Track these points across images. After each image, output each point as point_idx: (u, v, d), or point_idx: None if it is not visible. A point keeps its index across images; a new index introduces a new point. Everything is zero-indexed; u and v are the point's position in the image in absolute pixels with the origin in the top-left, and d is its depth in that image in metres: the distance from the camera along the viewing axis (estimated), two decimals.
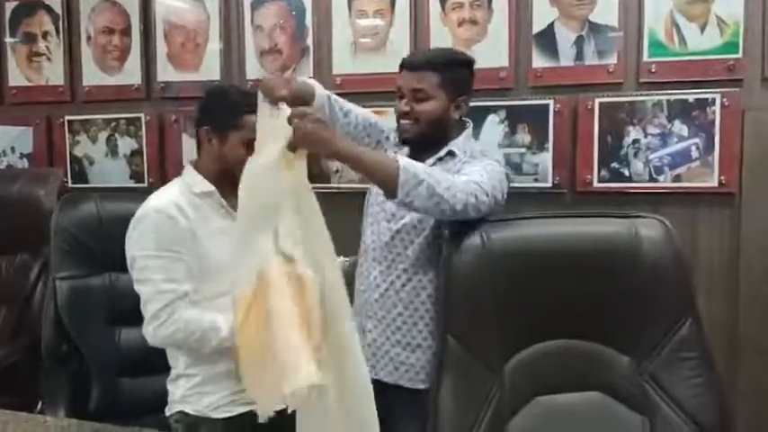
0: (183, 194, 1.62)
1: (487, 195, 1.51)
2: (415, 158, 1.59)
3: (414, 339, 1.69)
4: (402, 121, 1.70)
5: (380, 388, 1.68)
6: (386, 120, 1.96)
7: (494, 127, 2.28)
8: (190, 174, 1.68)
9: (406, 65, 1.70)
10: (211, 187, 1.64)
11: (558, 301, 1.35)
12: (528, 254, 1.37)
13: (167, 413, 1.66)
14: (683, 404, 1.29)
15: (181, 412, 1.62)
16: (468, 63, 1.74)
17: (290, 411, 1.21)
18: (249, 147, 1.58)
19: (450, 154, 1.69)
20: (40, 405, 1.95)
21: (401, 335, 1.70)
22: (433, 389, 1.30)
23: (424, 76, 1.66)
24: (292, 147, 1.32)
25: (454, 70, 1.69)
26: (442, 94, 1.66)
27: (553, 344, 1.35)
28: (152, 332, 1.57)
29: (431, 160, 1.69)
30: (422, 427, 1.61)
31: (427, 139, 1.69)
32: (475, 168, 1.59)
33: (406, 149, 1.75)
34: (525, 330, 1.35)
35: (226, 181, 1.61)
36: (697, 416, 1.28)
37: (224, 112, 1.64)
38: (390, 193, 1.44)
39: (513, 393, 1.32)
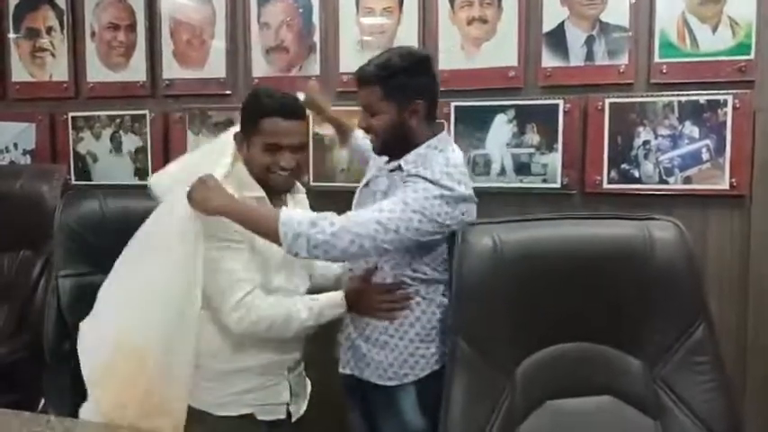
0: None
1: (396, 232, 1.51)
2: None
3: (380, 336, 1.69)
4: (369, 136, 1.73)
5: (355, 382, 1.75)
6: None
7: (502, 126, 2.26)
8: (242, 174, 1.66)
9: (356, 80, 1.68)
10: (261, 192, 1.64)
11: (570, 303, 1.33)
12: (539, 256, 1.35)
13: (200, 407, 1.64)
14: (696, 408, 1.27)
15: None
16: (409, 68, 1.64)
17: None
18: (271, 152, 1.60)
19: (398, 168, 1.66)
20: (42, 403, 1.93)
21: (369, 331, 1.71)
22: (445, 391, 1.28)
23: (369, 91, 1.64)
24: None
25: (397, 79, 1.62)
26: (388, 105, 1.63)
27: (565, 347, 1.34)
28: (237, 320, 1.57)
29: (387, 167, 1.71)
30: (396, 422, 1.69)
31: (394, 149, 1.68)
32: (395, 198, 1.56)
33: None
34: (537, 333, 1.33)
35: (265, 186, 1.64)
36: (709, 420, 1.26)
37: (249, 116, 1.64)
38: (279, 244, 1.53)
39: (525, 397, 1.30)
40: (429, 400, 1.61)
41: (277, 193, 1.68)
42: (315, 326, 1.66)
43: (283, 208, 1.59)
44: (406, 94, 1.63)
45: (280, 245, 1.51)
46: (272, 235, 1.51)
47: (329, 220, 1.51)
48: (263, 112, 1.60)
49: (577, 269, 1.34)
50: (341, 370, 1.78)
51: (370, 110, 1.65)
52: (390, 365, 1.68)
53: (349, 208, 1.83)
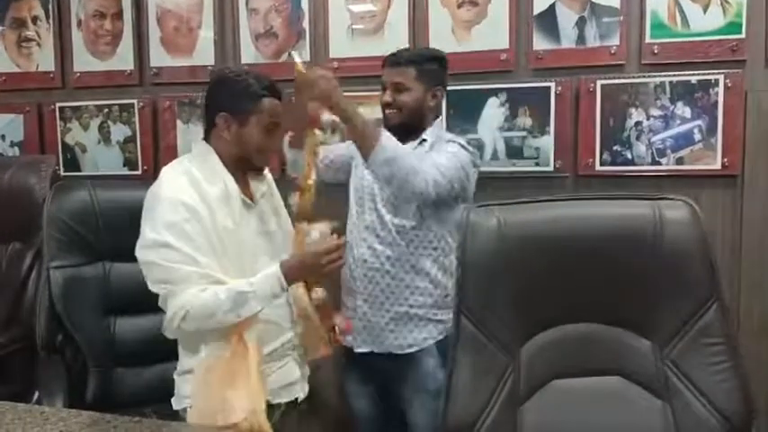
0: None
1: (444, 178, 1.76)
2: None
3: (399, 308, 1.87)
4: (387, 111, 1.92)
5: (371, 358, 1.91)
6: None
7: (494, 110, 2.25)
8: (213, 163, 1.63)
9: (388, 62, 1.93)
10: (231, 182, 1.61)
11: (577, 284, 1.31)
12: (544, 237, 1.33)
13: (176, 407, 1.63)
14: (705, 390, 1.25)
15: (191, 407, 1.59)
16: (440, 58, 1.96)
17: None
18: (269, 132, 1.63)
19: (422, 141, 1.91)
20: (36, 395, 1.92)
21: (388, 305, 1.89)
22: (448, 369, 1.29)
23: (403, 70, 1.89)
24: None
25: (428, 64, 1.91)
26: (419, 85, 1.89)
27: (572, 327, 1.32)
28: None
29: (408, 148, 1.85)
30: (418, 382, 1.88)
31: (407, 126, 1.90)
32: (440, 154, 1.83)
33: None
34: (543, 313, 1.32)
35: (243, 167, 1.65)
36: (719, 402, 1.24)
37: (242, 97, 1.62)
38: (365, 159, 1.72)
39: (530, 376, 1.30)
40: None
41: (253, 173, 1.70)
42: (244, 305, 1.52)
43: (383, 131, 1.74)
44: (432, 78, 1.92)
45: (365, 158, 1.71)
46: (367, 149, 1.69)
47: (406, 160, 1.71)
48: (262, 93, 1.61)
49: (584, 250, 1.31)
50: (357, 349, 1.93)
51: (399, 87, 1.89)
52: (410, 332, 1.88)
53: (338, 198, 1.87)
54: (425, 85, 1.90)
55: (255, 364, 1.50)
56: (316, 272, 1.61)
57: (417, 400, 1.88)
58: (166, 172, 1.62)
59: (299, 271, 1.59)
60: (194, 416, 1.52)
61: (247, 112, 1.61)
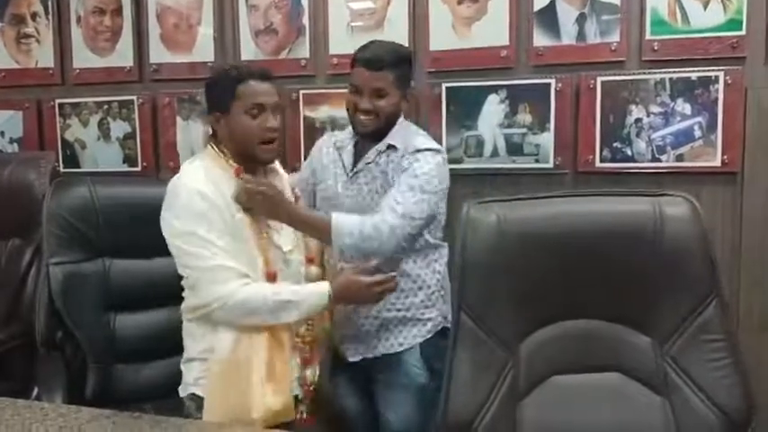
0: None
1: (418, 218, 1.72)
2: (363, 148, 1.87)
3: (388, 313, 1.85)
4: (362, 117, 1.81)
5: (362, 364, 1.89)
6: None
7: (494, 106, 2.24)
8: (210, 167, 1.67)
9: (364, 63, 1.80)
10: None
11: (576, 281, 1.32)
12: (543, 233, 1.34)
13: (181, 394, 1.66)
14: (705, 387, 1.26)
15: (194, 394, 1.62)
16: (411, 57, 1.92)
17: None
18: (255, 115, 1.63)
19: (391, 147, 1.82)
20: (35, 392, 1.92)
21: (376, 311, 1.85)
22: (448, 365, 1.29)
23: (383, 75, 1.78)
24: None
25: (403, 67, 1.84)
26: (396, 90, 1.81)
27: (572, 324, 1.33)
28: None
29: (372, 154, 1.84)
30: (402, 379, 1.86)
31: (381, 132, 1.83)
32: (403, 186, 1.73)
33: (349, 143, 1.91)
34: (542, 310, 1.33)
35: (250, 162, 1.66)
36: (719, 399, 1.25)
37: (220, 89, 1.66)
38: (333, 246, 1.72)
39: (529, 372, 1.30)
40: (431, 354, 1.85)
41: (263, 164, 1.71)
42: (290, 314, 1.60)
43: (333, 217, 1.70)
44: (407, 82, 1.86)
45: (328, 244, 1.74)
46: (324, 238, 1.72)
47: (366, 231, 1.68)
48: (238, 79, 1.63)
49: (584, 246, 1.31)
50: (350, 359, 1.90)
51: (379, 93, 1.79)
52: (400, 332, 1.86)
53: None
54: (401, 90, 1.83)
55: (287, 360, 1.59)
56: (364, 300, 1.73)
57: (390, 397, 1.87)
58: (186, 165, 1.68)
59: (348, 295, 1.68)
60: (213, 411, 1.54)
61: (228, 101, 1.63)
